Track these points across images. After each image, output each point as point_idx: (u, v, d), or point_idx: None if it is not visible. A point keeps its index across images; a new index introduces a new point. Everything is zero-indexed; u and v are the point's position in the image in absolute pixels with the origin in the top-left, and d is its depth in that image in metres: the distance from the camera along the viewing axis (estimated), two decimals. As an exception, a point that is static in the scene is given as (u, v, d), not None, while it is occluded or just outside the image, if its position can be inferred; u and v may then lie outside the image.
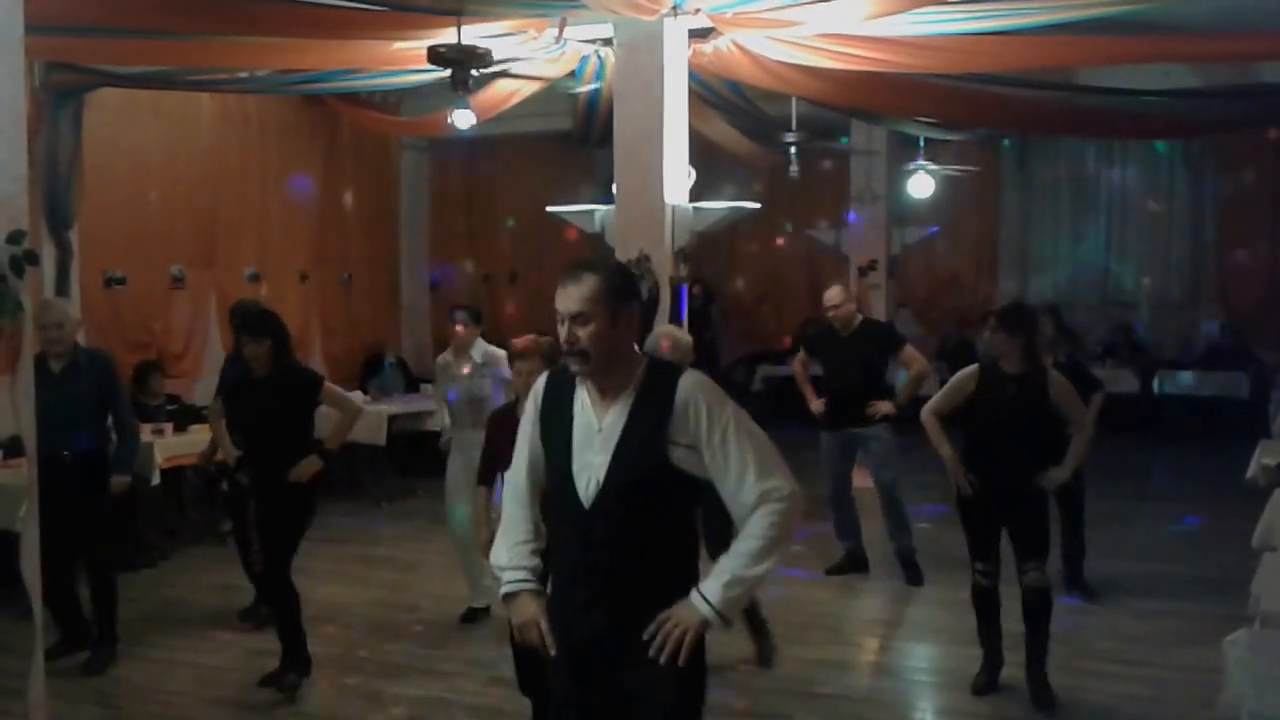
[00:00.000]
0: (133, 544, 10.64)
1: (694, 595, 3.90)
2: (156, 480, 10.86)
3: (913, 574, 10.22)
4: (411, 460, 14.30)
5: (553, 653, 4.08)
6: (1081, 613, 8.89)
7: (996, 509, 7.37)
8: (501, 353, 8.93)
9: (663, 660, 3.85)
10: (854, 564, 10.40)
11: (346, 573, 10.64)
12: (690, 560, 4.12)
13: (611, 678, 4.03)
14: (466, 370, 9.31)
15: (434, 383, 9.93)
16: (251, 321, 7.66)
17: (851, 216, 15.83)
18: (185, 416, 11.79)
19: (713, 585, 3.89)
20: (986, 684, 7.59)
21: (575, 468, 4.02)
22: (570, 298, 3.95)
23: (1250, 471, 9.22)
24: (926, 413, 7.70)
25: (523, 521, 4.24)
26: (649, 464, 3.94)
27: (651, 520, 3.98)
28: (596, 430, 4.01)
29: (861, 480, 10.53)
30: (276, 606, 7.78)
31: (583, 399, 4.07)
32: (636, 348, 4.17)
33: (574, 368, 4.00)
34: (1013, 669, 7.57)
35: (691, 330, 8.50)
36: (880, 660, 8.70)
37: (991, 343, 7.47)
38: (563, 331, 3.96)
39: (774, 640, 8.19)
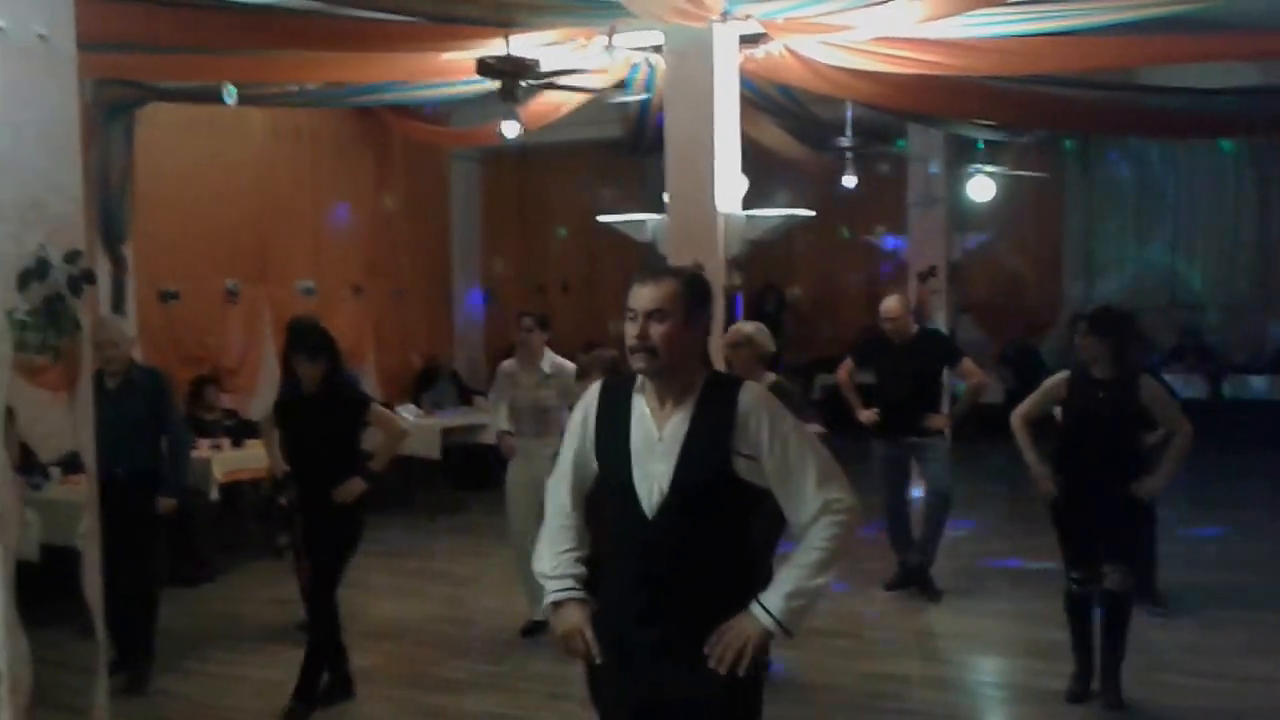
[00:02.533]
0: (190, 559, 10.65)
1: (755, 607, 3.89)
2: (215, 495, 10.86)
3: (928, 589, 10.08)
4: (466, 474, 14.26)
5: (598, 661, 4.05)
6: (1153, 624, 8.72)
7: (1089, 515, 7.26)
8: (571, 366, 8.86)
9: (722, 671, 3.84)
10: (910, 577, 10.23)
11: (403, 588, 10.61)
12: (750, 569, 4.09)
13: (667, 688, 4.00)
14: (534, 379, 9.23)
15: (492, 389, 9.80)
16: (310, 340, 7.60)
17: (909, 222, 15.64)
18: (241, 431, 11.79)
19: (774, 597, 3.88)
20: (1080, 692, 7.50)
21: (636, 477, 4.01)
22: (647, 295, 3.98)
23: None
24: (1016, 417, 7.62)
25: (568, 529, 4.24)
26: (713, 473, 3.94)
27: (713, 529, 3.98)
28: (657, 439, 4.01)
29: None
30: (316, 626, 7.71)
31: (640, 408, 4.07)
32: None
33: (639, 365, 4.00)
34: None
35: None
36: (944, 674, 8.57)
37: (1081, 347, 7.36)
38: (633, 328, 3.98)
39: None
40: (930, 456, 10.06)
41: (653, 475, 3.98)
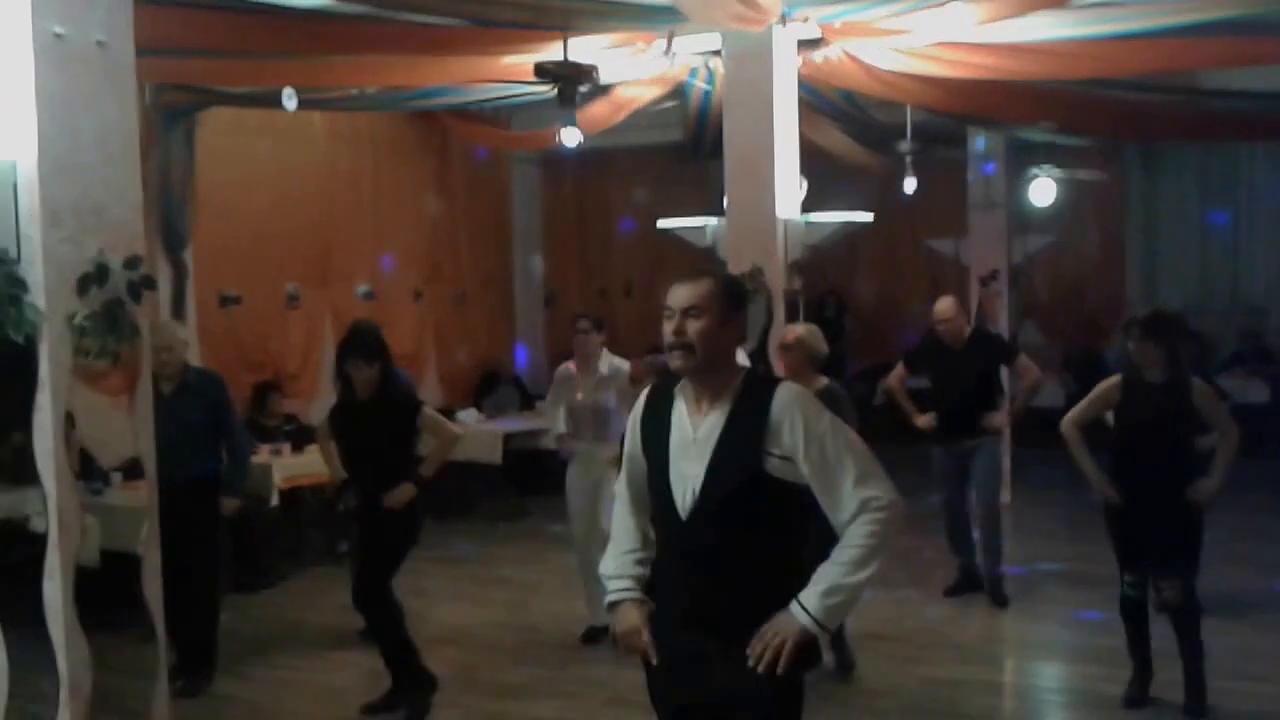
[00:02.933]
0: (251, 565, 10.71)
1: (793, 605, 3.90)
2: (275, 501, 10.93)
3: (999, 596, 9.98)
4: (528, 479, 14.28)
5: (654, 663, 4.10)
6: (1205, 628, 8.62)
7: (1145, 520, 7.20)
8: (628, 365, 8.88)
9: (761, 669, 3.85)
10: (970, 583, 10.17)
11: (464, 593, 10.64)
12: (791, 570, 4.06)
13: (707, 689, 4.03)
14: (591, 381, 9.21)
15: (550, 392, 9.78)
16: (366, 344, 7.63)
17: (970, 225, 15.54)
18: (302, 436, 11.84)
19: (811, 594, 3.89)
20: (1137, 697, 7.48)
21: (673, 478, 4.06)
22: (684, 294, 4.05)
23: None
24: (1067, 423, 7.56)
25: (631, 531, 4.31)
26: (744, 474, 3.96)
27: (750, 531, 3.99)
28: (692, 440, 4.05)
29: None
30: (377, 628, 7.77)
31: (680, 409, 4.13)
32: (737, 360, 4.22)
33: (676, 362, 4.05)
34: (1159, 688, 7.50)
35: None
36: (1002, 679, 8.56)
37: (1135, 351, 7.29)
38: (670, 325, 4.03)
39: (853, 654, 8.18)
40: (980, 462, 9.95)
41: (687, 476, 4.02)
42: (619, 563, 4.26)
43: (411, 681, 7.67)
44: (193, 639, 8.20)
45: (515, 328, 18.66)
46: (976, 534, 10.16)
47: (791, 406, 3.98)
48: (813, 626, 3.86)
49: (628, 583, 4.20)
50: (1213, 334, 17.96)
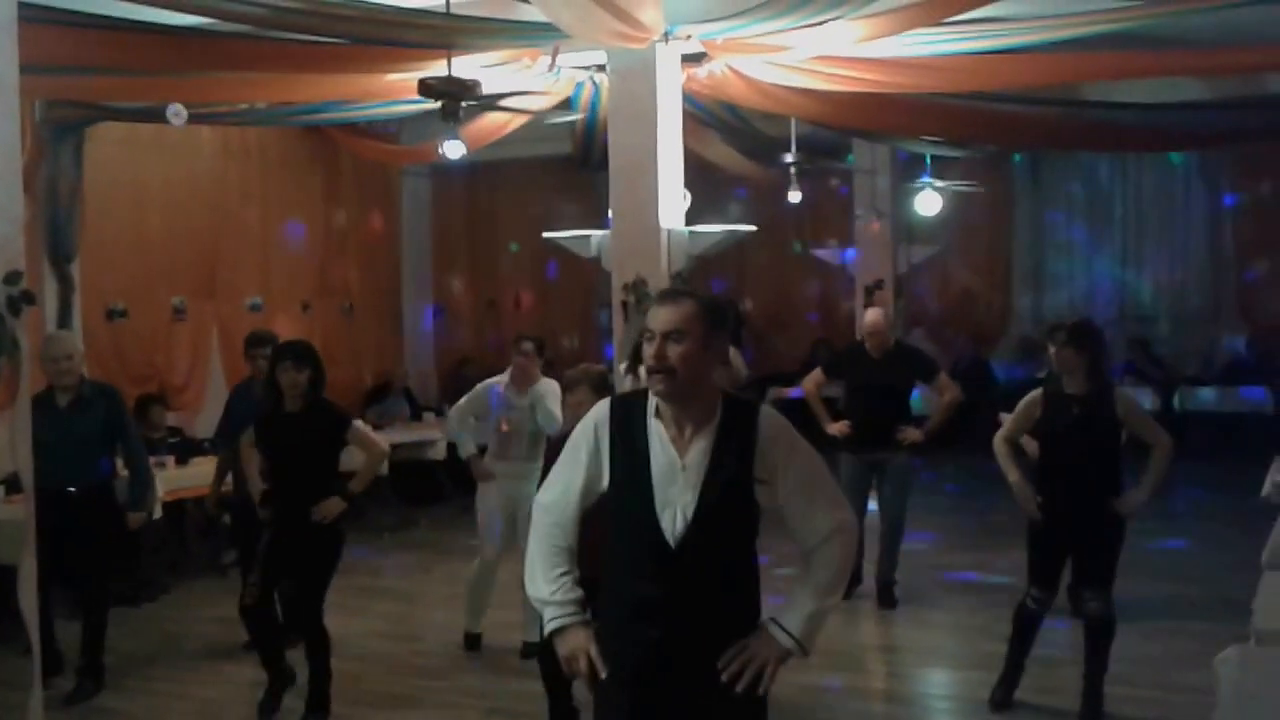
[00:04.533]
0: (133, 578, 10.61)
1: (773, 628, 3.99)
2: (159, 514, 10.82)
3: (889, 599, 10.12)
4: (414, 490, 14.25)
5: (603, 676, 4.04)
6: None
7: (1066, 534, 7.28)
8: (557, 387, 8.87)
9: (739, 688, 3.91)
10: (854, 584, 10.21)
11: (348, 604, 10.51)
12: (754, 589, 4.17)
13: (678, 708, 4.06)
14: (527, 401, 9.13)
15: (464, 401, 9.62)
16: (298, 350, 7.60)
17: (856, 235, 15.71)
18: (187, 449, 11.77)
19: (794, 618, 4.00)
20: (1003, 700, 7.54)
21: (659, 505, 4.01)
22: (666, 316, 3.99)
23: (1265, 489, 9.08)
24: (999, 440, 7.57)
25: (563, 552, 4.21)
26: (735, 502, 4.01)
27: (731, 554, 4.08)
28: (680, 467, 4.02)
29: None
30: (311, 649, 7.70)
31: (659, 432, 4.08)
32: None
33: (657, 387, 4.01)
34: (1039, 694, 7.62)
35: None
36: (886, 686, 8.64)
37: (1057, 359, 7.37)
38: (651, 348, 3.98)
39: None
40: (891, 474, 10.06)
41: (676, 503, 3.99)
42: (556, 586, 4.15)
43: (317, 702, 7.65)
44: (82, 649, 8.23)
45: (404, 340, 18.60)
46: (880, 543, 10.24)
47: (777, 433, 4.04)
48: (794, 648, 3.97)
49: (572, 607, 4.13)
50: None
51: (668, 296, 4.11)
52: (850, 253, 16.76)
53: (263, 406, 7.87)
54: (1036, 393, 7.47)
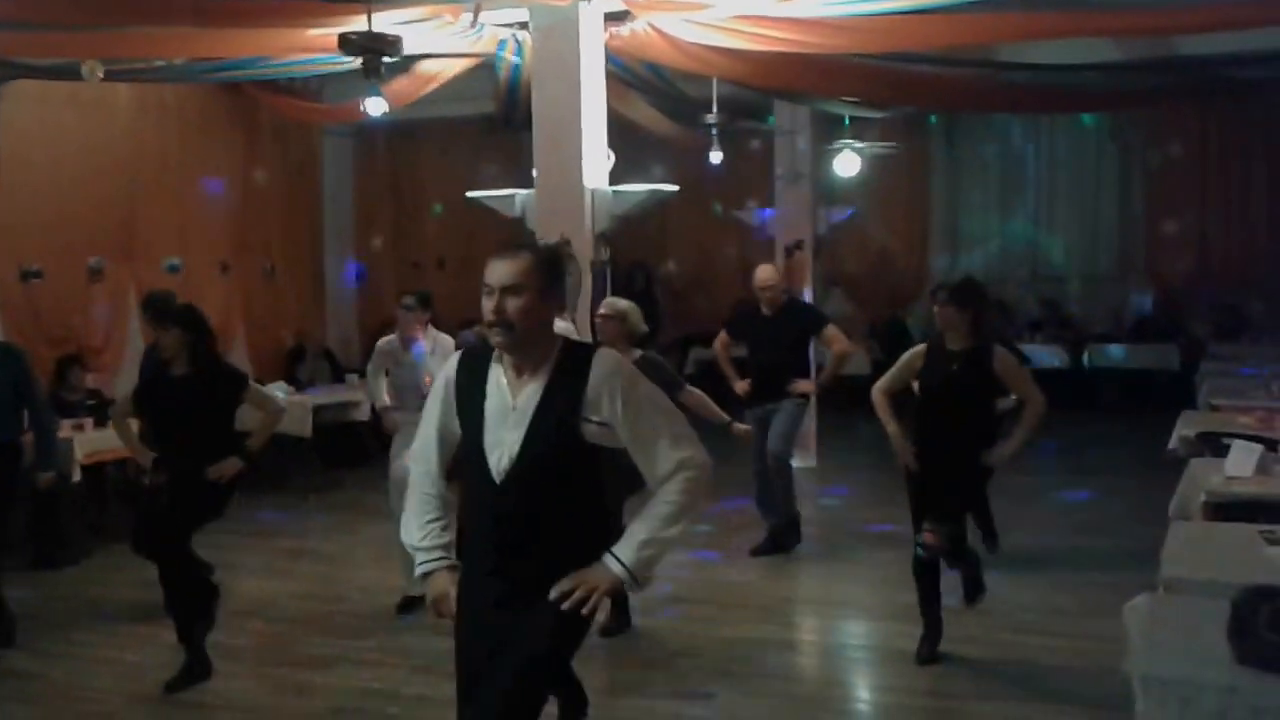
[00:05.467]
0: (53, 541, 10.54)
1: (607, 557, 4.06)
2: (77, 477, 10.75)
3: (771, 545, 10.34)
4: (338, 451, 14.23)
5: (457, 624, 4.25)
6: (1003, 584, 8.87)
7: (938, 482, 7.42)
8: (450, 340, 8.90)
9: (566, 606, 4.00)
10: (777, 543, 10.38)
11: (273, 566, 10.57)
12: (600, 530, 4.25)
13: (505, 637, 4.11)
14: (414, 355, 9.21)
15: (370, 364, 9.73)
16: (161, 309, 7.57)
17: (776, 196, 15.75)
18: (105, 411, 11.64)
19: (625, 547, 4.06)
20: (928, 655, 7.62)
21: (487, 443, 4.14)
22: (503, 271, 4.07)
23: (1171, 443, 9.26)
24: (876, 391, 7.75)
25: (432, 498, 4.37)
26: (561, 441, 4.08)
27: (561, 493, 4.13)
28: (511, 408, 4.12)
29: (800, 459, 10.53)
30: (174, 587, 7.61)
31: (498, 377, 4.18)
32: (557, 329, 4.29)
33: (496, 339, 4.10)
34: (954, 644, 7.72)
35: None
36: (805, 638, 8.78)
37: (939, 317, 7.48)
38: (490, 303, 4.06)
39: (630, 613, 8.34)
40: (778, 418, 10.17)
41: (504, 443, 4.10)
42: (425, 532, 4.32)
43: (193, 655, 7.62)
44: None
45: (325, 301, 18.51)
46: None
47: (611, 376, 4.10)
48: (625, 576, 4.04)
49: (439, 552, 4.29)
50: (1014, 302, 18.54)
51: (505, 251, 4.16)
52: (769, 213, 16.78)
53: (146, 370, 7.81)
54: (920, 346, 7.68)
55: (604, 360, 4.15)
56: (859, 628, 8.92)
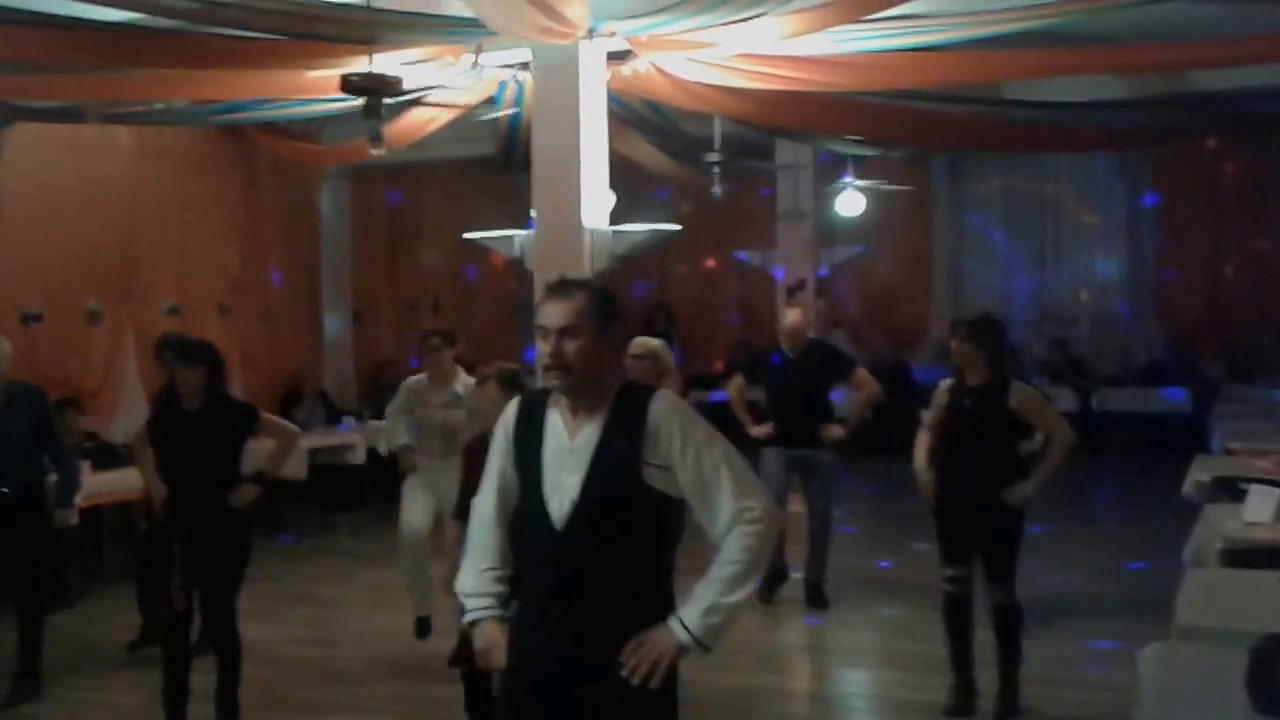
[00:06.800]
0: (49, 585, 10.43)
1: (673, 622, 3.90)
2: (75, 520, 10.64)
3: (819, 599, 10.07)
4: (333, 495, 14.13)
5: (508, 677, 4.11)
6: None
7: (963, 520, 7.30)
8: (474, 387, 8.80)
9: (634, 682, 3.83)
10: (777, 581, 10.19)
11: (265, 610, 10.39)
12: (663, 581, 4.09)
13: (573, 699, 3.99)
14: (443, 399, 9.10)
15: (392, 404, 9.60)
16: (186, 348, 7.50)
17: (778, 236, 15.70)
18: (102, 454, 11.57)
19: (692, 613, 3.88)
20: (959, 707, 7.38)
21: (547, 488, 4.00)
22: (559, 312, 3.96)
23: (1185, 488, 9.14)
24: (922, 431, 7.65)
25: (490, 549, 4.22)
26: (622, 483, 3.93)
27: (624, 540, 3.97)
28: (569, 450, 3.99)
29: (793, 505, 10.37)
30: (223, 651, 7.50)
31: (554, 420, 4.06)
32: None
33: (554, 382, 3.99)
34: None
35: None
36: (808, 687, 8.67)
37: (956, 353, 7.39)
38: (547, 346, 3.95)
39: None
40: (817, 474, 10.05)
41: (564, 487, 3.96)
42: (478, 580, 4.19)
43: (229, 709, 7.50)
44: (18, 649, 8.22)
45: (322, 343, 18.45)
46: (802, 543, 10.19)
47: (669, 415, 3.94)
48: (691, 645, 3.86)
49: (488, 600, 4.15)
50: (1021, 344, 18.38)
51: (559, 290, 4.02)
52: (771, 253, 16.74)
53: (156, 406, 7.76)
54: (947, 381, 7.56)
55: (663, 400, 4.01)
56: (860, 676, 8.84)
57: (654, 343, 8.17)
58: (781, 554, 10.14)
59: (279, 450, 7.91)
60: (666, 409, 3.96)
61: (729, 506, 3.89)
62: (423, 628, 9.01)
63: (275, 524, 13.46)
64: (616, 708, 3.91)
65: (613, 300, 4.11)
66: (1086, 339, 19.57)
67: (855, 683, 8.72)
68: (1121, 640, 8.68)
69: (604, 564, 3.94)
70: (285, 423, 8.25)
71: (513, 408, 4.24)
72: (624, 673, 3.84)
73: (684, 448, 3.91)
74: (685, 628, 3.86)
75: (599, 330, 3.96)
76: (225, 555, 7.43)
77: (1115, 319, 19.66)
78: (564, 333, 3.92)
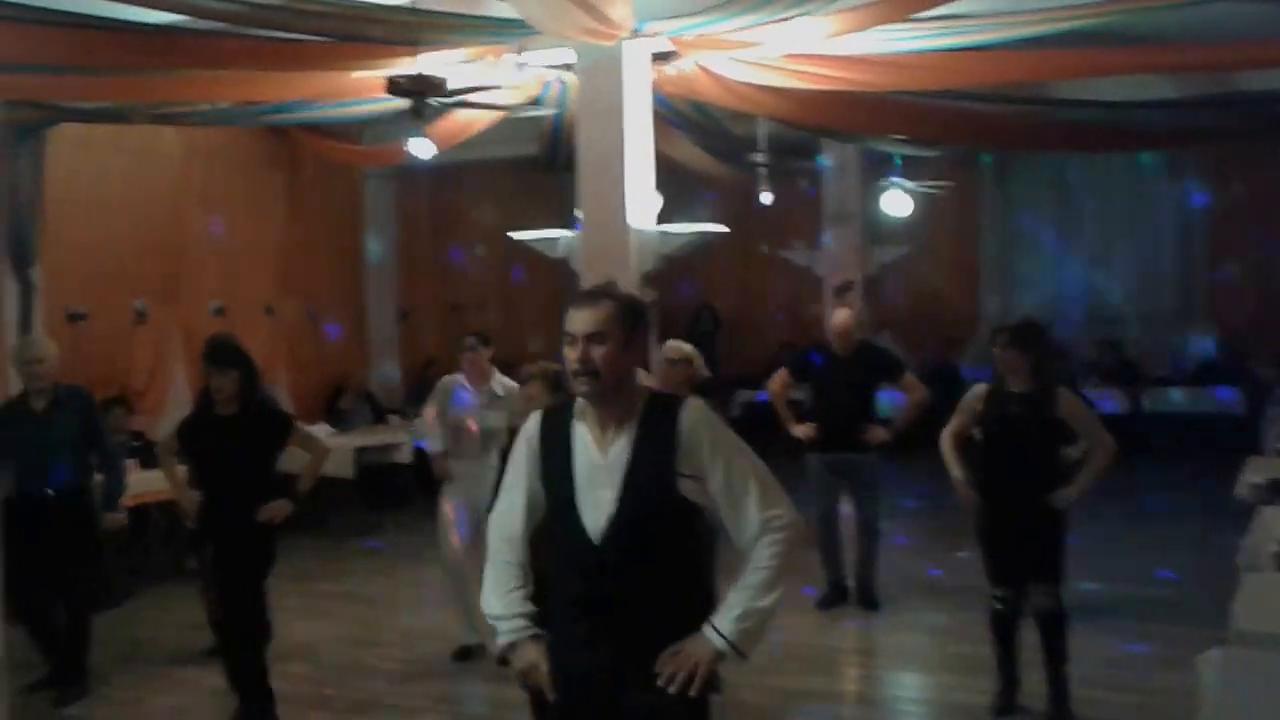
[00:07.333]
0: (98, 583, 10.48)
1: (707, 629, 3.93)
2: (123, 521, 10.70)
3: (870, 601, 10.01)
4: (380, 493, 14.17)
5: (551, 698, 4.10)
6: (1071, 637, 8.65)
7: (1011, 531, 7.21)
8: (519, 388, 8.73)
9: (673, 690, 3.87)
10: (839, 596, 10.13)
11: (314, 609, 10.48)
12: (700, 588, 4.20)
13: (613, 707, 4.02)
14: (482, 399, 9.06)
15: (428, 401, 9.48)
16: (218, 352, 7.50)
17: (826, 237, 15.63)
18: (149, 453, 11.63)
19: (725, 619, 3.93)
20: (1004, 707, 7.40)
21: (581, 504, 4.02)
22: (586, 319, 4.00)
23: (1238, 490, 9.05)
24: (945, 437, 7.54)
25: (512, 566, 4.23)
26: (657, 496, 3.97)
27: (660, 551, 4.01)
28: (601, 465, 4.02)
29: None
30: (243, 646, 7.51)
31: (582, 433, 4.09)
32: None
33: (581, 388, 4.02)
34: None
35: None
36: (858, 689, 8.59)
37: (1000, 360, 7.31)
38: (574, 352, 3.99)
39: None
40: (862, 477, 9.95)
41: (599, 501, 3.99)
42: (507, 601, 4.18)
43: (258, 700, 7.50)
44: (66, 651, 8.27)
45: (368, 342, 18.51)
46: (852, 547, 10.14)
47: (699, 426, 3.99)
48: (727, 650, 3.90)
49: (522, 621, 4.15)
50: (1070, 344, 18.17)
51: (586, 298, 4.08)
52: (818, 253, 16.65)
53: (191, 411, 7.76)
54: (980, 387, 7.47)
55: (693, 410, 4.04)
56: (914, 680, 8.76)
57: (687, 347, 8.08)
58: (839, 564, 10.08)
59: (311, 466, 7.89)
60: (697, 419, 4.01)
61: (757, 515, 3.96)
62: (463, 653, 8.86)
63: (320, 522, 13.55)
64: (656, 716, 3.94)
65: (640, 309, 4.16)
66: (1136, 339, 19.34)
67: (905, 685, 8.66)
68: (1174, 644, 8.58)
69: (640, 575, 3.98)
70: (316, 436, 8.21)
71: (535, 421, 4.27)
72: (661, 682, 3.87)
73: (713, 457, 3.96)
74: (720, 634, 3.90)
75: (625, 337, 4.00)
76: (252, 562, 7.46)
77: (1166, 319, 19.42)
78: (591, 339, 3.96)
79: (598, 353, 3.94)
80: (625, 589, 3.97)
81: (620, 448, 4.00)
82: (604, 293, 4.13)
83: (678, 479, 3.95)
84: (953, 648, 8.58)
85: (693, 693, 3.88)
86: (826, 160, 15.47)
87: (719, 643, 3.89)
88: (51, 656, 8.30)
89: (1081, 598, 9.46)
